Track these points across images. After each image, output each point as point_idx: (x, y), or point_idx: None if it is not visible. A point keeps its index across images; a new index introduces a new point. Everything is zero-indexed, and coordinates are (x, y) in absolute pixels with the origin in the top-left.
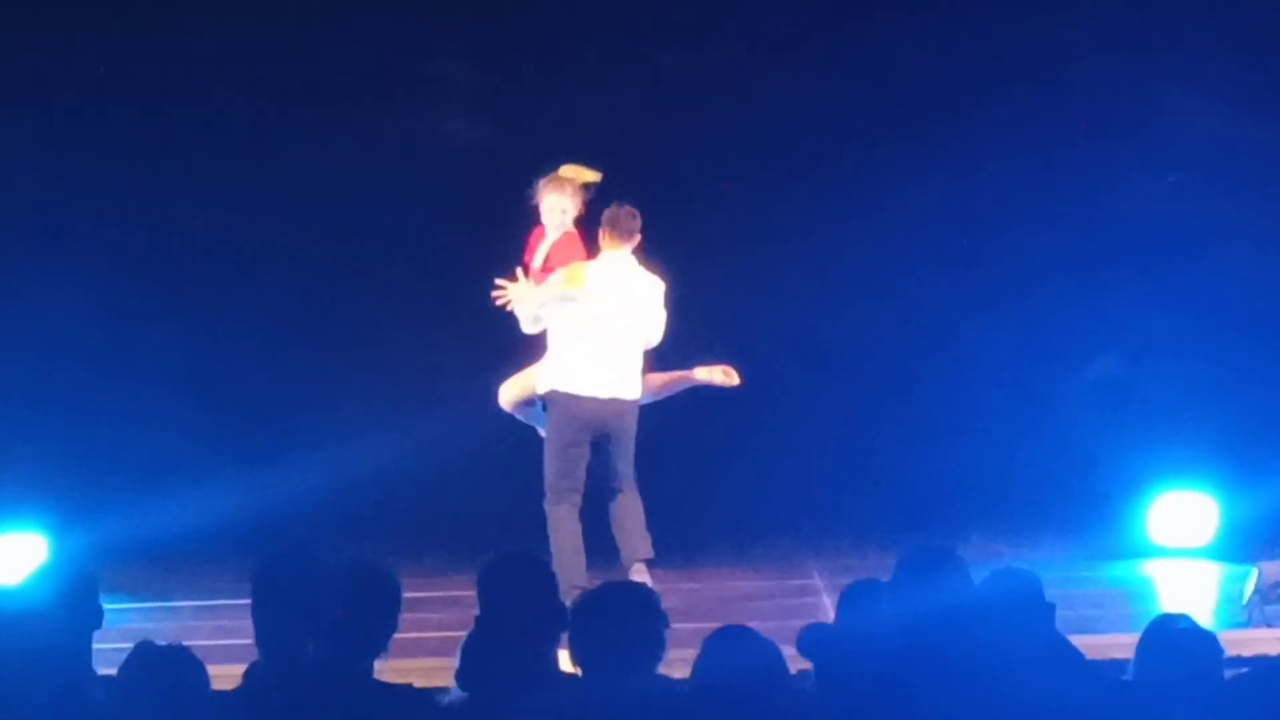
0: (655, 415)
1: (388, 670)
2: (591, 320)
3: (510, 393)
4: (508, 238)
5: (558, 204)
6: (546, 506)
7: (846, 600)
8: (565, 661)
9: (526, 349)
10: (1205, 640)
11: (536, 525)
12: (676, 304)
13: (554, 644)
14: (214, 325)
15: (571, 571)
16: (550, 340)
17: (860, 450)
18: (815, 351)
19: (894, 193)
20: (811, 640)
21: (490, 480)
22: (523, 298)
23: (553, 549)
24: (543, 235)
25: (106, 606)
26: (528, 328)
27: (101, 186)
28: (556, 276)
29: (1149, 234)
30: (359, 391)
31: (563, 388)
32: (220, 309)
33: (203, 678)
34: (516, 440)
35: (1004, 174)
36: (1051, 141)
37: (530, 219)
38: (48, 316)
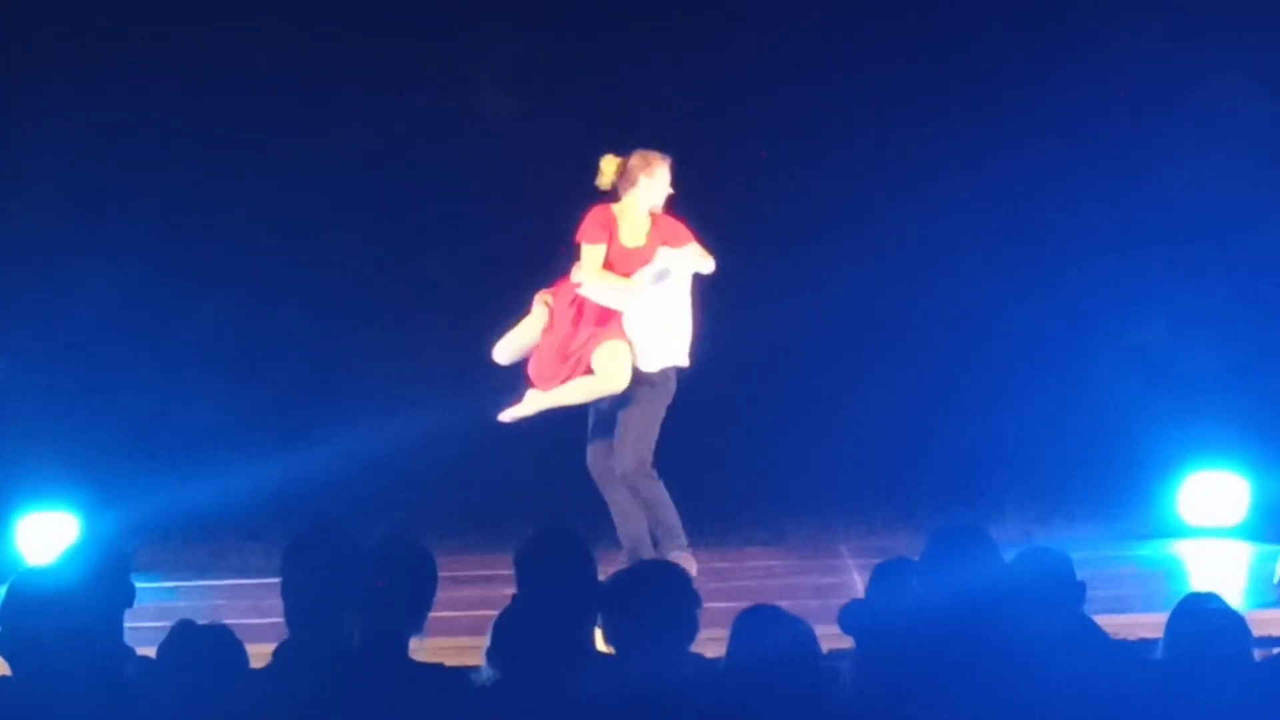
0: (688, 392)
1: (418, 649)
2: (689, 292)
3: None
4: (545, 218)
5: (669, 179)
6: (649, 478)
7: (878, 579)
8: (599, 641)
9: None
10: (1233, 620)
11: (569, 502)
12: (712, 284)
13: (591, 623)
14: (248, 303)
15: (681, 533)
16: (674, 314)
17: (891, 429)
18: (847, 330)
19: (929, 171)
20: (853, 616)
21: (522, 457)
22: (689, 262)
23: (662, 518)
24: (610, 214)
25: (138, 585)
26: (625, 302)
27: (136, 165)
28: (694, 248)
29: (1183, 211)
30: (393, 369)
31: (682, 363)
32: (255, 286)
33: (242, 657)
34: (551, 417)
35: (1039, 150)
36: (1088, 117)
37: (569, 197)
38: (80, 294)
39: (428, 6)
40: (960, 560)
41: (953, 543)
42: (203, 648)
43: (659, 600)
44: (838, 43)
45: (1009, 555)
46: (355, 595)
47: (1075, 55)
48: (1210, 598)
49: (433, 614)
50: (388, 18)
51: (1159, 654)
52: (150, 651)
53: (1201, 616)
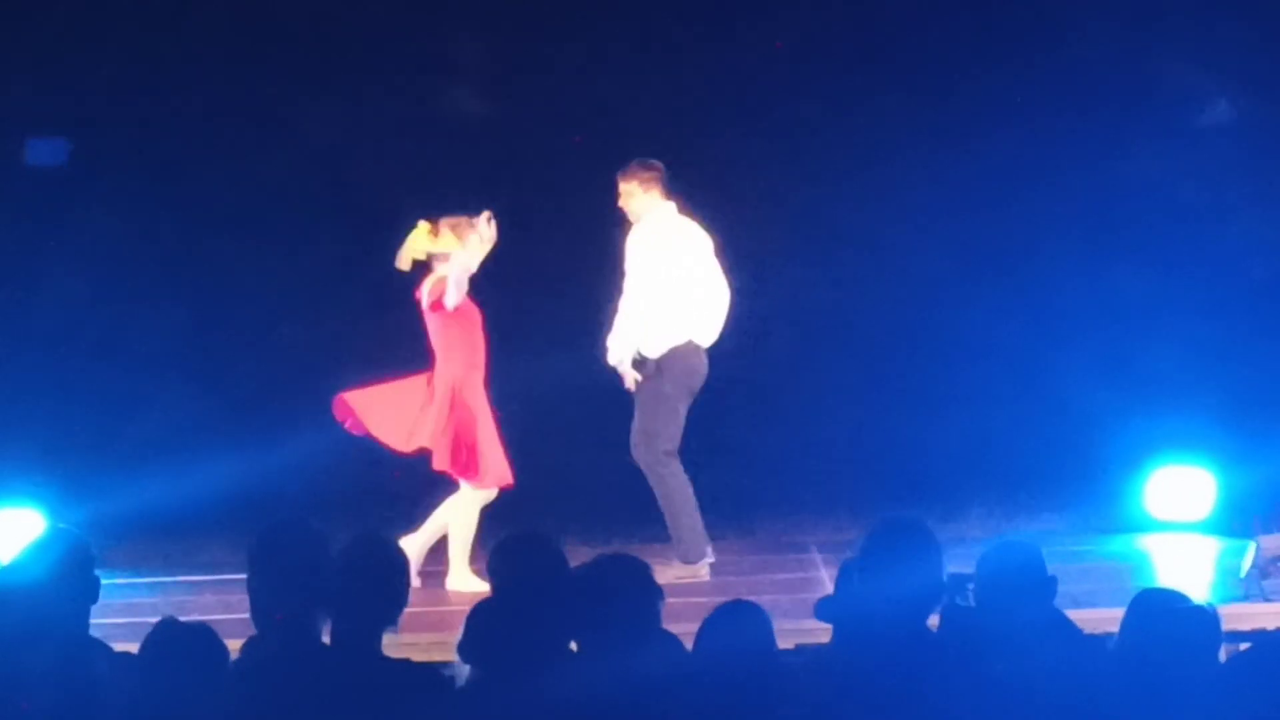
0: None
1: (387, 645)
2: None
3: None
4: (510, 217)
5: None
6: (662, 466)
7: (846, 575)
8: None
9: (525, 332)
10: (1190, 615)
11: (537, 499)
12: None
13: (564, 622)
14: (213, 299)
15: (702, 536)
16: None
17: (858, 425)
18: (813, 326)
19: (892, 166)
20: (829, 609)
21: None
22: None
23: (678, 508)
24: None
25: (105, 581)
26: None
27: (97, 167)
28: None
29: (1148, 206)
30: (356, 364)
31: (686, 339)
32: (219, 283)
33: (223, 656)
34: (518, 414)
35: (1003, 146)
36: (1051, 112)
37: (533, 195)
38: (44, 292)
39: (388, 3)
40: (900, 553)
41: (892, 537)
42: (186, 646)
43: (620, 595)
44: (805, 43)
45: (978, 551)
46: (324, 591)
47: (1040, 55)
48: (1170, 594)
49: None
50: (348, 13)
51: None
52: (125, 647)
53: (1156, 612)
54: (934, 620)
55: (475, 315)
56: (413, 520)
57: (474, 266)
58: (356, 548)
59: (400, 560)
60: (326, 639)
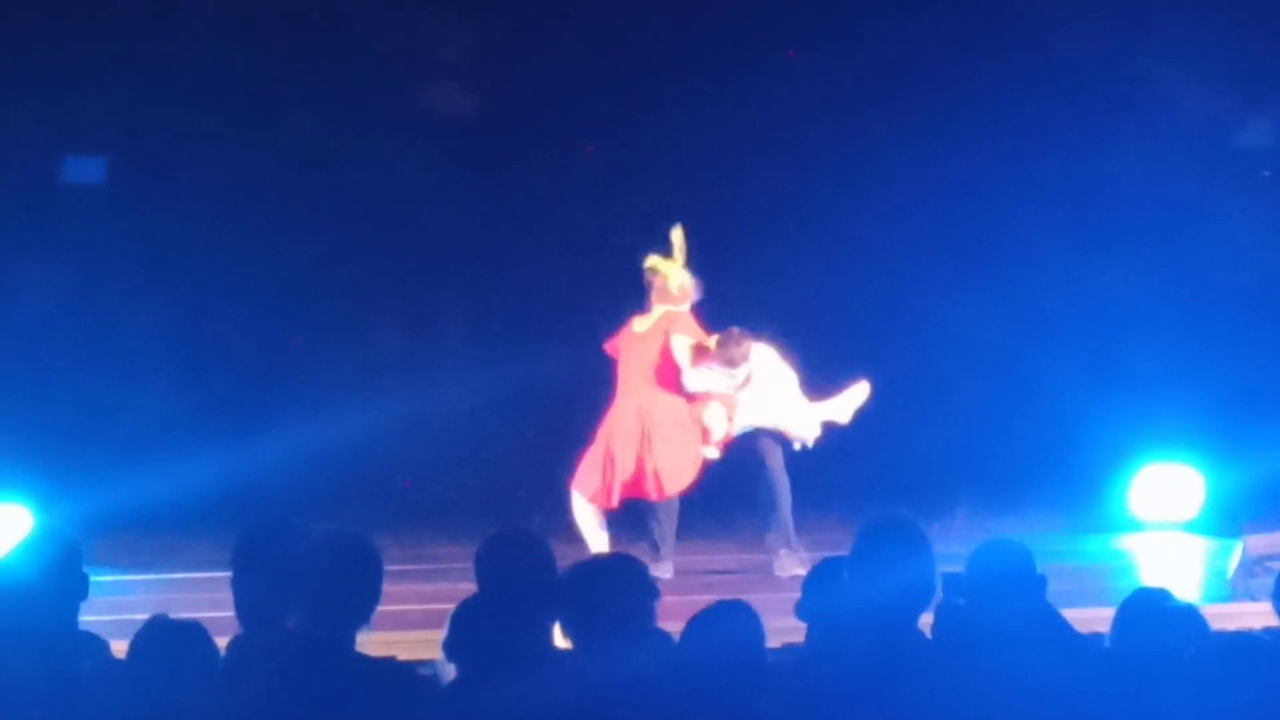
0: None
1: (372, 643)
2: None
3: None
4: (495, 215)
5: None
6: None
7: (815, 576)
8: (557, 635)
9: (512, 329)
10: (1182, 614)
11: (520, 496)
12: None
13: (549, 621)
14: (201, 296)
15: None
16: None
17: (846, 425)
18: (801, 327)
19: (880, 168)
20: (808, 607)
21: (472, 454)
22: None
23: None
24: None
25: (94, 579)
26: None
27: (86, 159)
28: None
29: (1133, 208)
30: (344, 363)
31: None
32: (208, 280)
33: (213, 653)
34: (499, 415)
35: (990, 150)
36: (1039, 117)
37: (517, 194)
38: (32, 288)
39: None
40: (890, 552)
41: (882, 536)
42: (176, 643)
43: (616, 593)
44: (801, 47)
45: (966, 550)
46: (301, 590)
47: (1026, 58)
48: (1159, 593)
49: (387, 608)
50: (334, 11)
51: (1106, 645)
52: (115, 644)
53: (1145, 610)
54: (927, 619)
55: None
56: (404, 517)
57: None
58: (327, 545)
59: (373, 558)
60: None
